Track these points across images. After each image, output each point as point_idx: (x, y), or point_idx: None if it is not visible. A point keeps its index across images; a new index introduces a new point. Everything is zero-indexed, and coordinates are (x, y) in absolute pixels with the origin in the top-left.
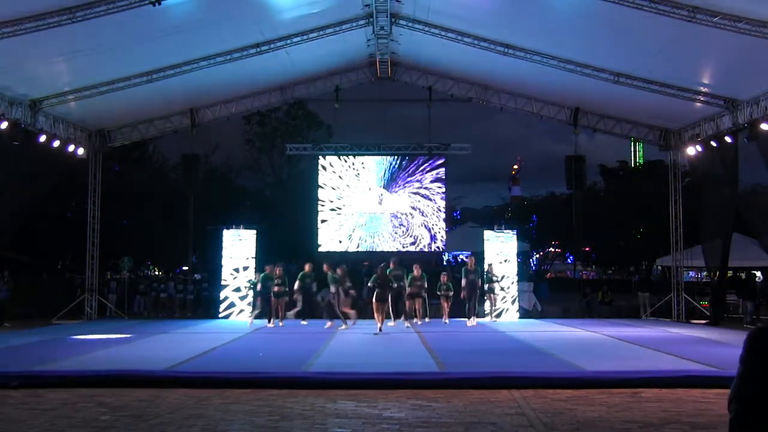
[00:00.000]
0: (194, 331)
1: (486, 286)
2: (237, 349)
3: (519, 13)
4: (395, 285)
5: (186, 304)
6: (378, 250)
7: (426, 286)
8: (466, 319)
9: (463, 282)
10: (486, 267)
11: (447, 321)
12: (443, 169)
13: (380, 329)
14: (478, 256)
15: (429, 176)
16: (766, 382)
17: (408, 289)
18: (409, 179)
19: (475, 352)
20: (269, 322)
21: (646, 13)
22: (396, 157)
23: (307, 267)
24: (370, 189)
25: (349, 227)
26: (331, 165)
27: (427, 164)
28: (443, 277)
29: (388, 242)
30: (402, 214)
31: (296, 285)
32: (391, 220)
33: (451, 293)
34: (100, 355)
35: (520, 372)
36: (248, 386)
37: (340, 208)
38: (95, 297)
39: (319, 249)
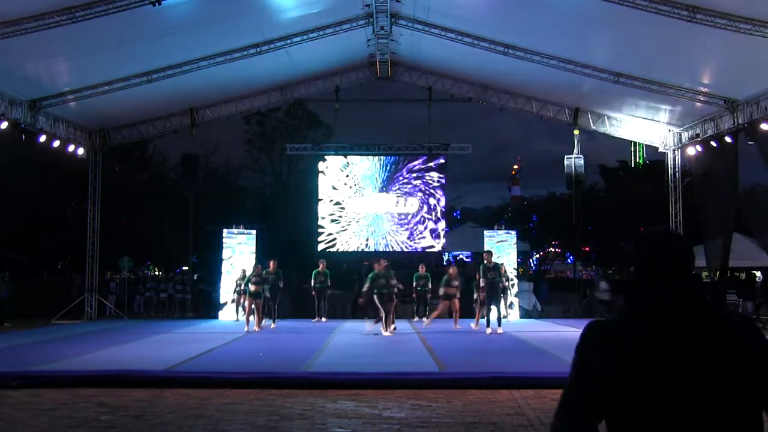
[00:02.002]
0: (194, 331)
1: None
2: (237, 349)
3: (519, 13)
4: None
5: (186, 304)
6: (382, 249)
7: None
8: (486, 324)
9: (482, 282)
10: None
11: (476, 326)
12: (443, 168)
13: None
14: (479, 257)
15: (428, 176)
16: (602, 400)
17: (442, 290)
18: (408, 178)
19: (475, 352)
20: (256, 325)
21: (646, 13)
22: (395, 156)
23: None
24: (369, 189)
25: (351, 227)
26: (328, 167)
27: (425, 163)
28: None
29: (392, 242)
30: (403, 213)
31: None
32: (393, 219)
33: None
34: (100, 355)
35: (520, 372)
36: (248, 386)
37: (343, 212)
38: (95, 297)
39: (319, 249)
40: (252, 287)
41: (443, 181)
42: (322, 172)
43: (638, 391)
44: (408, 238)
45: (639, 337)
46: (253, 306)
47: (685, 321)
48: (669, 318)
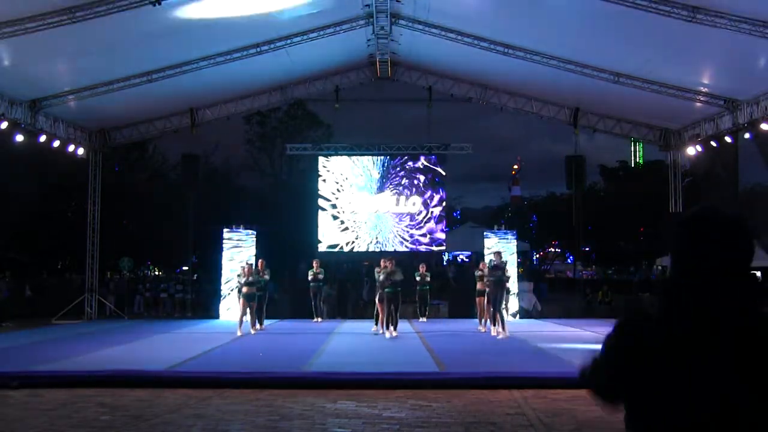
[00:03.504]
0: (194, 331)
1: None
2: (237, 349)
3: (519, 13)
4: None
5: (186, 304)
6: (385, 249)
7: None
8: (491, 327)
9: (484, 282)
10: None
11: (484, 329)
12: (442, 168)
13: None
14: (479, 256)
15: (427, 175)
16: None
17: (480, 285)
18: (407, 178)
19: (475, 352)
20: (252, 328)
21: (646, 13)
22: (394, 157)
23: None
24: (370, 189)
25: (352, 227)
26: (329, 167)
27: (425, 163)
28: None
29: (394, 242)
30: (406, 213)
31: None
32: (394, 219)
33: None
34: (100, 355)
35: (520, 372)
36: (248, 386)
37: (342, 210)
38: (95, 297)
39: (320, 249)
40: (245, 289)
41: (443, 181)
42: (325, 171)
43: (653, 395)
44: (408, 237)
45: (663, 343)
46: (247, 308)
47: (724, 331)
48: (703, 327)
